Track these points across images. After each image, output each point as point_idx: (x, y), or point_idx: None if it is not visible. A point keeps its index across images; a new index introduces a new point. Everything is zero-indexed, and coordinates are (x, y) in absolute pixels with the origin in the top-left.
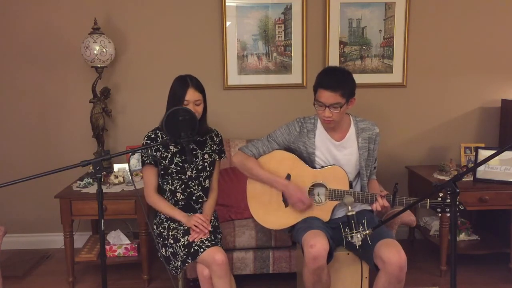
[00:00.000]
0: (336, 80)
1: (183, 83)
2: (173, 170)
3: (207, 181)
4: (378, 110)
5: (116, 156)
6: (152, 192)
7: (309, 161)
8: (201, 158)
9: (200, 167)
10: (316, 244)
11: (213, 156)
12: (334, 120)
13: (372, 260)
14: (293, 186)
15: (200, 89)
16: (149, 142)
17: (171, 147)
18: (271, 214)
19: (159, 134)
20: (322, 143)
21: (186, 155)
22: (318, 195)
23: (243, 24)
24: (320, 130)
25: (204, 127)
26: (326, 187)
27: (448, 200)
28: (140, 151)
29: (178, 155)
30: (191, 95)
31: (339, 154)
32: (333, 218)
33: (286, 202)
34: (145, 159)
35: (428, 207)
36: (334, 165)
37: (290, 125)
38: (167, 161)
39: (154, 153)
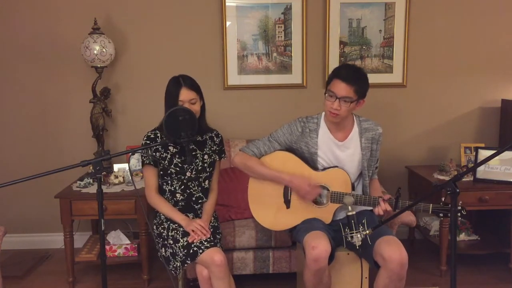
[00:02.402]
0: (354, 75)
1: (176, 83)
2: (173, 171)
3: (206, 181)
4: (378, 110)
5: (116, 156)
6: (153, 193)
7: (311, 161)
8: (200, 159)
9: (199, 168)
10: (318, 245)
11: (213, 157)
12: (340, 115)
13: (372, 258)
14: (297, 179)
15: (194, 87)
16: (148, 142)
17: (171, 148)
18: (273, 216)
19: (158, 134)
20: (325, 143)
21: (186, 156)
22: (320, 197)
23: (243, 24)
24: (323, 130)
25: (203, 126)
26: (328, 189)
27: (450, 205)
28: (140, 151)
29: (177, 156)
30: (185, 95)
31: (341, 154)
32: (334, 219)
33: (287, 203)
34: (144, 159)
35: (430, 212)
36: (337, 167)
37: (292, 125)
38: (166, 162)
39: (154, 154)
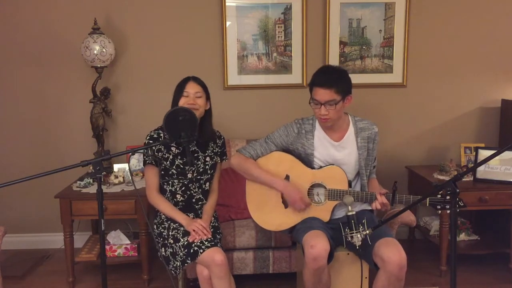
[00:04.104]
0: (330, 77)
1: (185, 78)
2: (174, 171)
3: (207, 184)
4: (378, 110)
5: (116, 156)
6: (154, 192)
7: (308, 161)
8: (202, 160)
9: (201, 169)
10: (316, 244)
11: (215, 159)
12: (331, 118)
13: (372, 259)
14: (292, 187)
15: (202, 84)
16: (151, 142)
17: (173, 149)
18: (271, 216)
19: (161, 134)
20: (321, 144)
21: (186, 156)
22: (318, 195)
23: (243, 24)
24: (318, 131)
25: (208, 130)
26: (325, 187)
27: (448, 198)
28: (140, 151)
29: (179, 157)
30: (191, 87)
31: (338, 154)
32: (333, 218)
33: (285, 203)
34: (146, 159)
35: (428, 205)
36: (333, 164)
37: (288, 127)
38: (168, 163)
39: (156, 153)
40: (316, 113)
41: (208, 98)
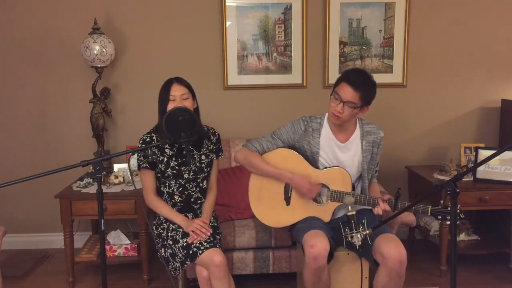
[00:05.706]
0: (362, 81)
1: (168, 81)
2: (170, 173)
3: (204, 182)
4: (378, 110)
5: (116, 156)
6: (151, 195)
7: (313, 160)
8: (198, 159)
9: (197, 168)
10: (316, 244)
11: (211, 156)
12: (342, 118)
13: (372, 256)
14: (298, 177)
15: (185, 84)
16: (143, 146)
17: (167, 150)
18: (272, 212)
19: (154, 138)
20: (327, 143)
21: (186, 156)
22: (320, 195)
23: (243, 24)
24: (325, 130)
25: (201, 129)
26: (328, 188)
27: (449, 208)
28: (139, 151)
29: (174, 159)
30: (176, 89)
31: (342, 155)
32: (333, 218)
33: (287, 200)
34: (141, 163)
35: (429, 214)
36: (338, 166)
37: (295, 123)
38: (163, 165)
39: (153, 154)
40: (331, 107)
41: (194, 97)
